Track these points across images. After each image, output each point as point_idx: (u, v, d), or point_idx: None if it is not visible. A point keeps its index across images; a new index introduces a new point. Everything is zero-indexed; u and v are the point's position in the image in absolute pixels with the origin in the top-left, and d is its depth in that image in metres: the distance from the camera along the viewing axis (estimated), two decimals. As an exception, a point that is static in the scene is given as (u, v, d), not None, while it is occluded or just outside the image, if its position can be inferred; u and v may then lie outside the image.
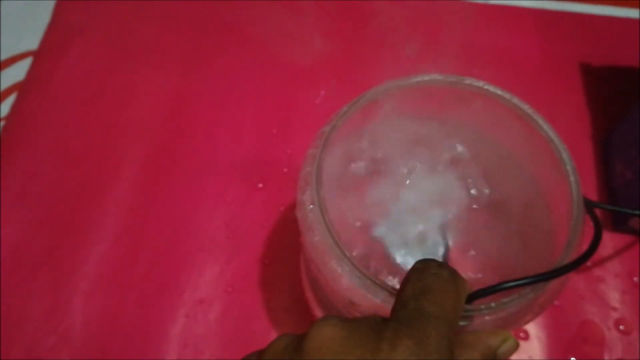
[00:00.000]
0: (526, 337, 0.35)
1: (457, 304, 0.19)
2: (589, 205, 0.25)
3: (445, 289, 0.19)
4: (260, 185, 0.41)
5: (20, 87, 0.45)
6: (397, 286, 0.21)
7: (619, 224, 0.38)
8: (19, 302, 0.36)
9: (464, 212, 0.28)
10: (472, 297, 0.21)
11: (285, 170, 0.41)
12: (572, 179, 0.25)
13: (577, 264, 0.22)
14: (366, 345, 0.17)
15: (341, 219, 0.26)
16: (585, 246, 0.23)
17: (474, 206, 0.28)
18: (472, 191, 0.28)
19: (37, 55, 0.46)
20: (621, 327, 0.35)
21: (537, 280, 0.21)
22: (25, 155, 0.42)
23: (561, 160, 0.25)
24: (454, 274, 0.20)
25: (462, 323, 0.21)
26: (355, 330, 0.17)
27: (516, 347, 0.20)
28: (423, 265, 0.20)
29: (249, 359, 0.19)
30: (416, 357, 0.16)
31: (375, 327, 0.18)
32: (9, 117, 0.43)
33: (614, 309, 0.36)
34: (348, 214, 0.27)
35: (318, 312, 0.32)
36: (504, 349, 0.20)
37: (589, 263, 0.38)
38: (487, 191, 0.28)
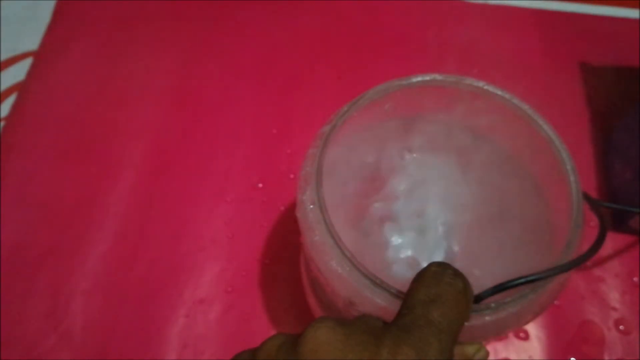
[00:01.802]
0: (526, 337, 0.35)
1: (463, 317, 0.19)
2: (593, 204, 0.25)
3: (457, 300, 0.18)
4: (260, 185, 0.41)
5: (20, 87, 0.45)
6: (395, 286, 0.21)
7: (619, 224, 0.38)
8: (19, 302, 0.36)
9: (463, 212, 0.28)
10: (479, 297, 0.21)
11: (285, 170, 0.41)
12: (572, 178, 0.25)
13: (583, 259, 0.22)
14: (364, 350, 0.16)
15: (342, 218, 0.26)
16: (585, 246, 0.23)
17: (474, 206, 0.28)
18: (472, 191, 0.28)
19: (37, 55, 0.47)
20: (621, 327, 0.35)
21: (543, 277, 0.21)
22: (25, 155, 0.42)
23: (561, 160, 0.25)
24: (467, 285, 0.19)
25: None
26: (353, 333, 0.17)
27: (487, 355, 0.21)
28: (439, 270, 0.19)
29: (240, 358, 0.19)
30: None
31: (375, 331, 0.17)
32: (9, 117, 0.43)
33: (614, 309, 0.36)
34: (349, 215, 0.27)
35: (318, 312, 0.32)
36: (479, 357, 0.21)
37: (589, 263, 0.38)
38: (486, 191, 0.28)
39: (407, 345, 0.16)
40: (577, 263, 0.22)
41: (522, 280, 0.21)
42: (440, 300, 0.18)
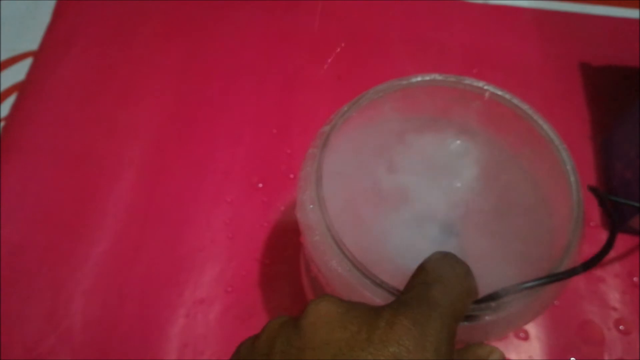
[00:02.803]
0: (526, 337, 0.35)
1: (465, 302, 0.19)
2: (602, 198, 0.25)
3: (458, 283, 0.19)
4: (260, 185, 0.41)
5: (20, 87, 0.45)
6: (398, 287, 0.21)
7: (619, 223, 0.38)
8: (19, 302, 0.36)
9: (464, 213, 0.27)
10: (492, 297, 0.21)
11: (285, 170, 0.41)
12: (572, 179, 0.25)
13: (599, 258, 0.22)
14: (362, 322, 0.17)
15: (346, 217, 0.26)
16: (585, 246, 0.23)
17: (474, 207, 0.28)
18: (473, 192, 0.28)
19: (37, 55, 0.46)
20: (621, 327, 0.35)
21: (559, 279, 0.21)
22: (25, 155, 0.42)
23: (561, 160, 0.25)
24: (469, 273, 0.20)
25: (463, 323, 0.21)
26: (353, 308, 0.17)
27: (502, 356, 0.21)
28: (441, 256, 0.20)
29: (244, 345, 0.19)
30: (413, 338, 0.16)
31: (375, 307, 0.18)
32: (9, 117, 0.43)
33: (614, 309, 0.36)
34: (350, 215, 0.27)
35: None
36: (493, 358, 0.20)
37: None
38: (487, 192, 0.28)
39: (404, 316, 0.16)
40: (589, 265, 0.22)
41: (532, 283, 0.21)
42: (441, 281, 0.18)
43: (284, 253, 0.38)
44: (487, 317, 0.21)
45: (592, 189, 0.25)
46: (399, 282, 0.21)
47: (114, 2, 0.49)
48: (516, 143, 0.28)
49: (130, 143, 0.42)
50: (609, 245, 0.23)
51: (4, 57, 0.46)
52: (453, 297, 0.18)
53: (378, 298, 0.22)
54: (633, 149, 0.38)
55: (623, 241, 0.38)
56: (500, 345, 0.35)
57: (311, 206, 0.24)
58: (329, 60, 0.45)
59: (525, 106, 0.27)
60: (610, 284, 0.37)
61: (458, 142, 0.29)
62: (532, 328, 0.35)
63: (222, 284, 0.37)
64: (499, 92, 0.27)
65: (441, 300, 0.18)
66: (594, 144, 0.42)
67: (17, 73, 0.45)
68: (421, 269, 0.19)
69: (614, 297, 0.36)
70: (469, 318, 0.21)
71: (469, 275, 0.20)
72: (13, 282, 0.36)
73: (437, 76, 0.27)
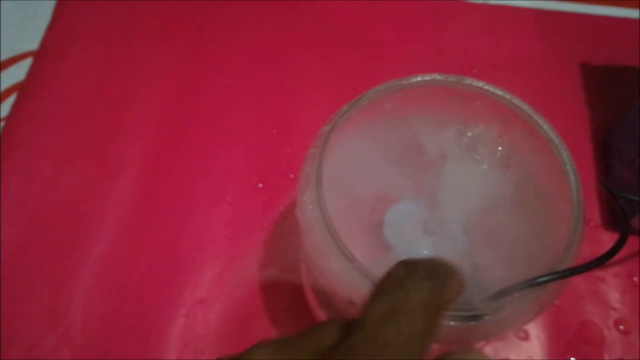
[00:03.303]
0: (526, 337, 0.35)
1: (430, 331, 0.15)
2: (615, 193, 0.25)
3: (421, 311, 0.15)
4: (260, 185, 0.41)
5: (20, 88, 0.45)
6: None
7: (619, 223, 0.38)
8: (19, 302, 0.36)
9: (465, 213, 0.28)
10: (500, 295, 0.21)
11: (285, 170, 0.41)
12: (572, 179, 0.25)
13: (610, 255, 0.22)
14: None
15: (346, 217, 0.26)
16: (585, 246, 0.23)
17: (474, 207, 0.28)
18: (472, 192, 0.28)
19: (37, 55, 0.46)
20: (621, 327, 0.35)
21: (567, 275, 0.21)
22: (25, 155, 0.42)
23: (561, 160, 0.25)
24: (438, 290, 0.16)
25: (461, 323, 0.21)
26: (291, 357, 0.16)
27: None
28: (403, 274, 0.16)
29: None
30: None
31: (319, 354, 0.15)
32: (9, 117, 0.43)
33: (614, 309, 0.36)
34: (352, 213, 0.27)
35: (318, 312, 0.32)
36: None
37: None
38: (486, 192, 0.28)
39: None
40: (601, 262, 0.22)
41: (542, 279, 0.21)
42: (398, 314, 0.15)
43: (284, 253, 0.38)
44: (487, 317, 0.21)
45: (604, 185, 0.25)
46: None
47: (114, 2, 0.49)
48: (516, 143, 0.28)
49: (130, 143, 0.42)
50: (622, 239, 0.23)
51: (4, 57, 0.46)
52: (414, 333, 0.15)
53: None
54: (633, 148, 0.38)
55: (623, 241, 0.38)
56: (500, 345, 0.35)
57: (311, 206, 0.24)
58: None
59: (525, 106, 0.27)
60: (610, 284, 0.37)
61: (458, 142, 0.29)
62: (532, 328, 0.35)
63: (222, 284, 0.37)
64: (499, 92, 0.27)
65: (398, 342, 0.14)
66: (594, 144, 0.42)
67: (17, 73, 0.45)
68: (375, 294, 0.16)
69: (614, 297, 0.36)
70: (469, 318, 0.21)
71: (441, 289, 0.16)
72: (13, 282, 0.36)
73: (437, 76, 0.27)
